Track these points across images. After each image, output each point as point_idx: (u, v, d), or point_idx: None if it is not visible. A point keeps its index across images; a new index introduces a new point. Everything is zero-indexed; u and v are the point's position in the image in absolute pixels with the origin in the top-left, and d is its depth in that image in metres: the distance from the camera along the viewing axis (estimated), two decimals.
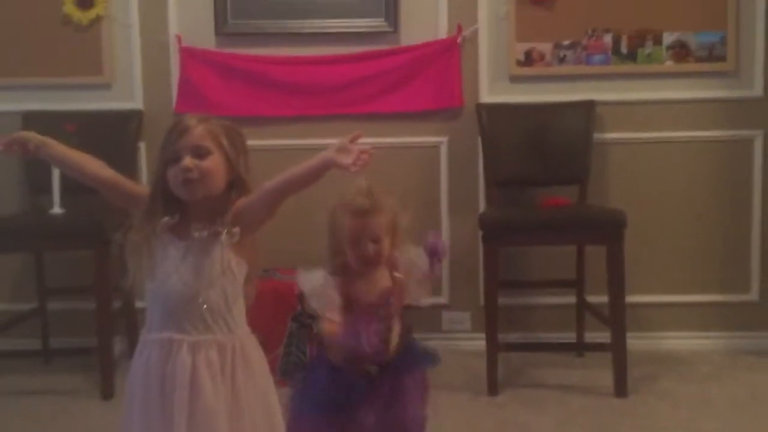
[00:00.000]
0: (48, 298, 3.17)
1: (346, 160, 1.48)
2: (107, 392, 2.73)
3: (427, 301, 1.85)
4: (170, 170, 1.52)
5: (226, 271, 1.54)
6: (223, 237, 1.53)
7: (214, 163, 1.53)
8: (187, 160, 1.50)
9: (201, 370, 1.49)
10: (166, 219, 1.53)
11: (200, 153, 1.51)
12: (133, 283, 1.57)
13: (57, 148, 1.59)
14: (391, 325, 1.77)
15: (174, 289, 1.51)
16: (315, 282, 1.71)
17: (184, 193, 1.53)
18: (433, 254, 1.78)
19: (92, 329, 2.78)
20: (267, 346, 2.58)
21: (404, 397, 1.79)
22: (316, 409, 1.76)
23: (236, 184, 1.57)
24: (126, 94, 3.22)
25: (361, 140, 1.54)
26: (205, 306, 1.51)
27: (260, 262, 1.64)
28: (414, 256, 1.78)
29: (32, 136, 1.58)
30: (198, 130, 1.53)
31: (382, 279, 1.77)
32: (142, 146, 3.20)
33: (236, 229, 1.53)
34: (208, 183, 1.52)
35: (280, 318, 2.83)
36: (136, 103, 3.22)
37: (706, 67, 3.16)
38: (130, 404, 1.54)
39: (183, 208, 1.56)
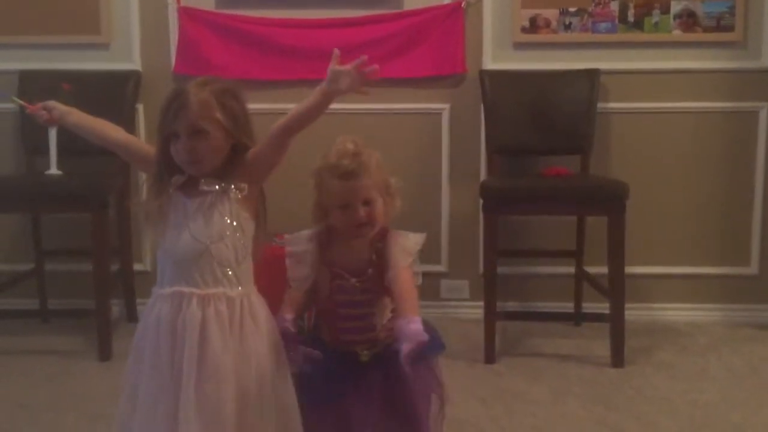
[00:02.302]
0: (45, 260, 3.16)
1: (344, 84, 1.54)
2: (105, 354, 2.73)
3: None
4: (172, 145, 1.55)
5: (236, 226, 1.56)
6: (232, 192, 1.55)
7: (212, 142, 1.54)
8: (186, 143, 1.52)
9: (211, 324, 1.51)
10: (176, 177, 1.56)
11: (197, 135, 1.52)
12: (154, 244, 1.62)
13: (78, 115, 1.71)
14: (373, 301, 1.63)
15: (184, 244, 1.53)
16: (298, 245, 1.68)
17: (188, 171, 1.56)
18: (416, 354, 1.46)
19: (90, 291, 2.77)
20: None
21: (404, 390, 1.61)
22: (308, 397, 1.62)
23: (239, 148, 1.58)
24: (124, 55, 3.18)
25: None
26: (215, 260, 1.53)
27: (266, 225, 1.64)
28: (409, 237, 1.64)
29: (58, 105, 1.71)
30: (194, 107, 1.52)
31: (364, 249, 1.64)
32: (140, 108, 3.16)
33: (244, 184, 1.56)
34: (208, 162, 1.55)
35: (278, 283, 2.82)
36: (134, 64, 3.17)
37: (713, 37, 3.12)
38: (140, 358, 1.55)
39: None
